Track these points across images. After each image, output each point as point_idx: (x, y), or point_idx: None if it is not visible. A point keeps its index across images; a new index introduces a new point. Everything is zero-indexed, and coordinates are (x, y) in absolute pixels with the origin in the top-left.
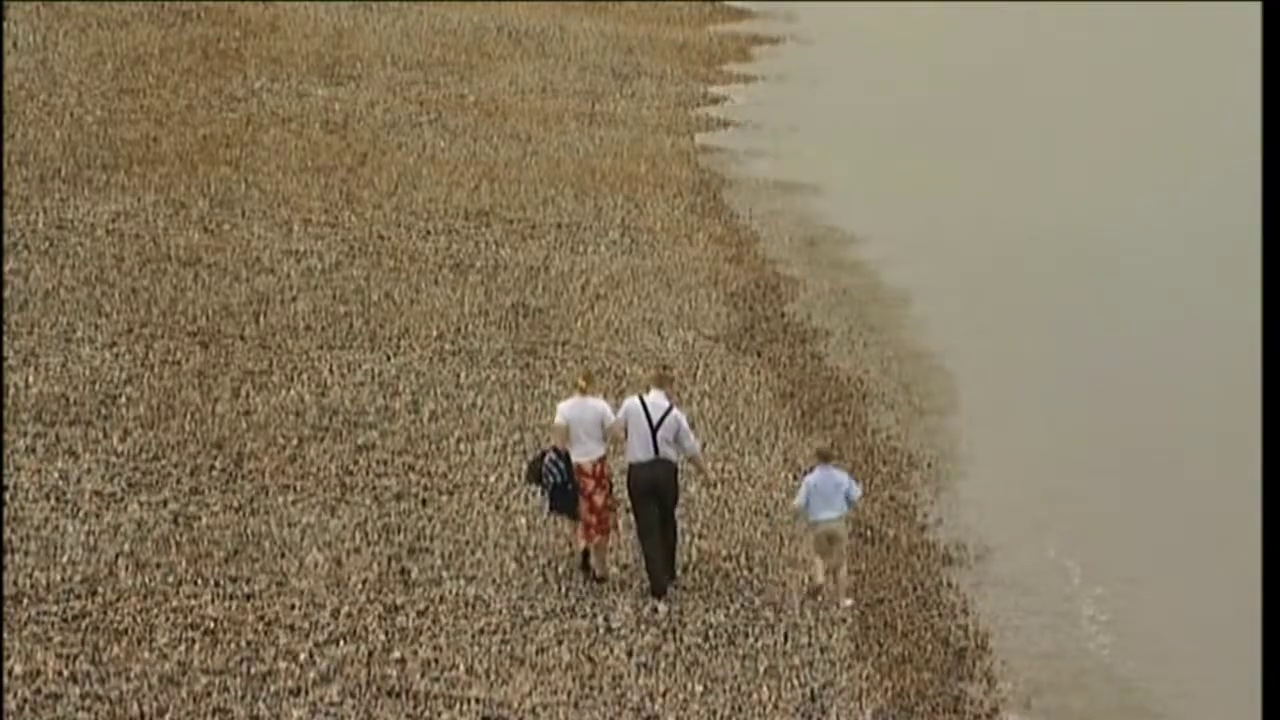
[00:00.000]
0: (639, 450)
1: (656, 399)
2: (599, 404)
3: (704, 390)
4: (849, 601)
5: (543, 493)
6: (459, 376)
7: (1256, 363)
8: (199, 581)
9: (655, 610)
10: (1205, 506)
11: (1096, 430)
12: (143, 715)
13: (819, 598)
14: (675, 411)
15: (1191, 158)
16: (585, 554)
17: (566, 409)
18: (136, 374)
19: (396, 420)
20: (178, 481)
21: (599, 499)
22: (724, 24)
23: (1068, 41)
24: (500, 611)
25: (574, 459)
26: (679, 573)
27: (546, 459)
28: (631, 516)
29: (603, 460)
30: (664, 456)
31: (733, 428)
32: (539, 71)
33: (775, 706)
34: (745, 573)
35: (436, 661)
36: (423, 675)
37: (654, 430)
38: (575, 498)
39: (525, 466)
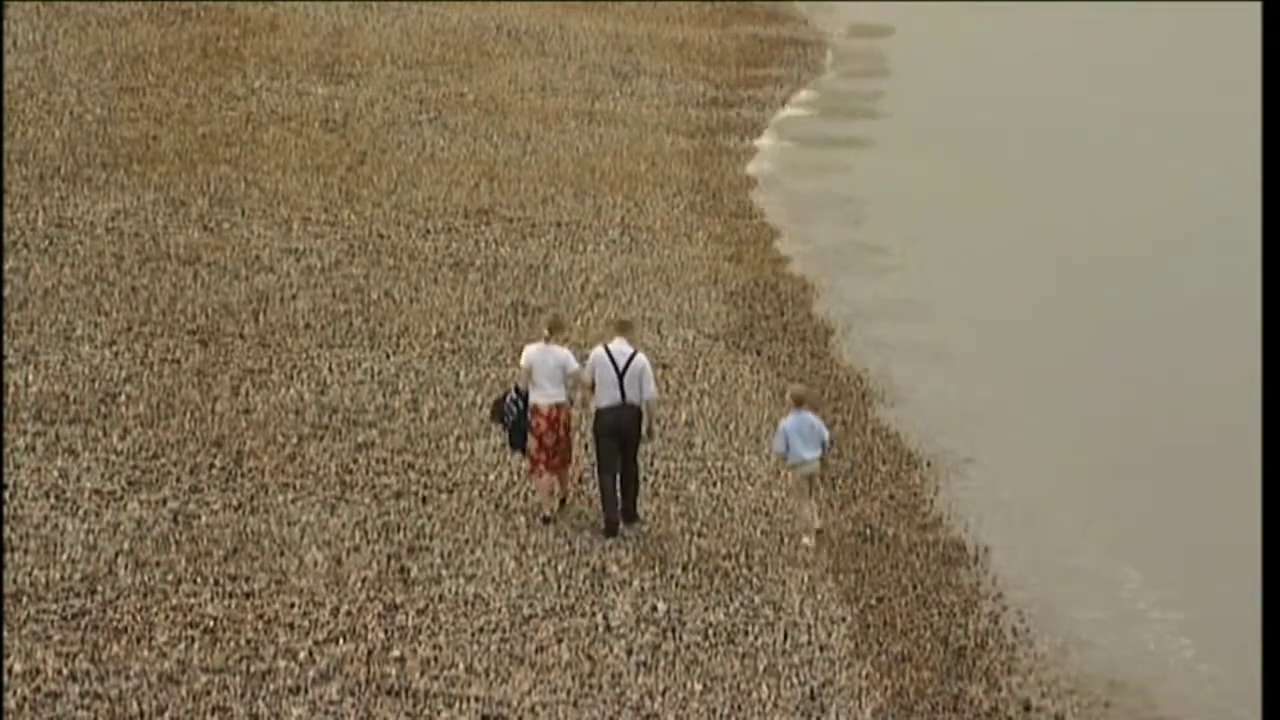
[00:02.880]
0: (605, 396)
1: (620, 346)
2: (562, 352)
3: (703, 389)
4: (818, 523)
5: (503, 429)
6: (458, 375)
7: (1257, 359)
8: (198, 580)
9: (655, 609)
10: (1206, 505)
11: (1097, 429)
12: (142, 714)
13: (818, 537)
14: (639, 356)
15: (1191, 158)
16: (562, 501)
17: (531, 353)
18: (136, 372)
19: (396, 419)
20: (177, 480)
21: (549, 440)
22: (724, 24)
23: (1064, 41)
24: (500, 610)
25: (532, 400)
26: (642, 516)
27: (508, 398)
28: (594, 469)
29: (559, 406)
30: (630, 402)
31: (732, 426)
32: (538, 70)
33: (775, 705)
34: (745, 572)
35: (436, 660)
36: (422, 674)
37: (620, 376)
38: (526, 435)
39: (489, 406)
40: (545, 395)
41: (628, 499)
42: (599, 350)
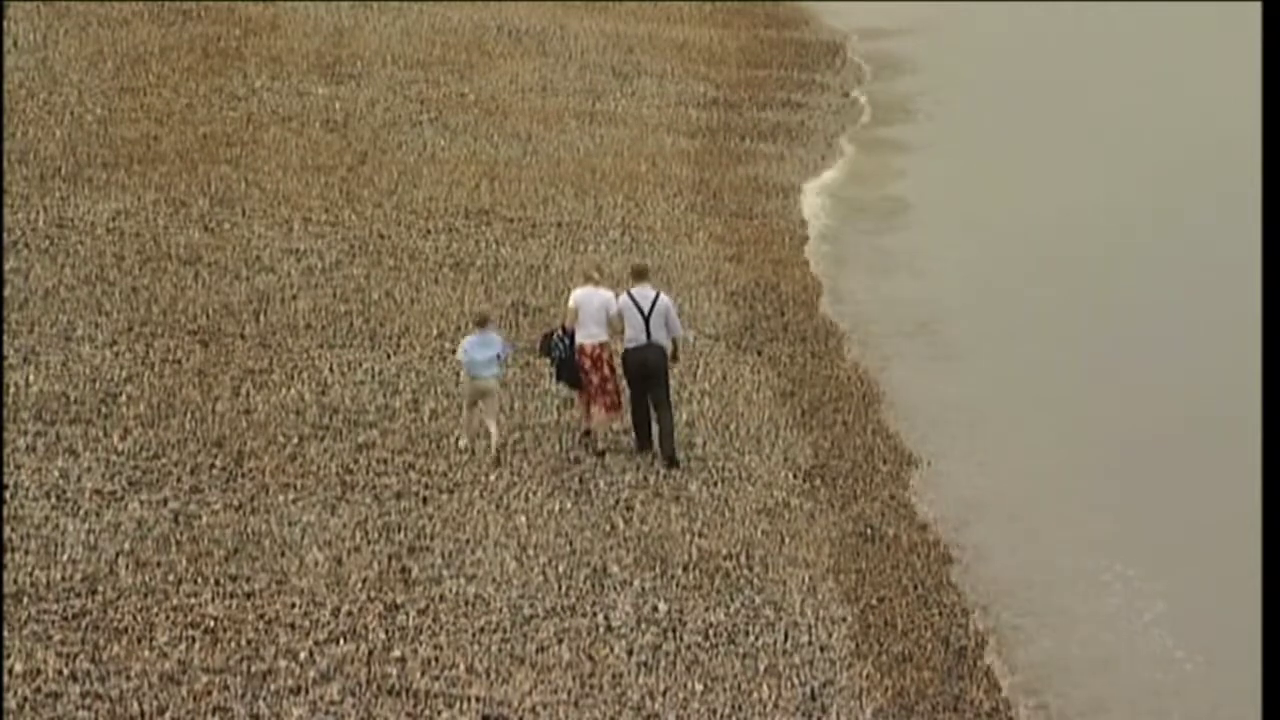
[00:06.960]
0: (631, 337)
1: (643, 290)
2: (606, 294)
3: (704, 389)
4: (491, 440)
5: (551, 364)
6: (459, 375)
7: (1257, 358)
8: (199, 580)
9: (655, 609)
10: (1206, 502)
11: (1097, 429)
12: (143, 714)
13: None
14: (663, 297)
15: (1189, 157)
16: (587, 432)
17: (578, 294)
18: (137, 372)
19: (397, 419)
20: (178, 480)
21: (594, 378)
22: (724, 24)
23: (1061, 40)
24: (500, 610)
25: (577, 340)
26: (679, 456)
27: (555, 335)
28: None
29: (603, 345)
30: (655, 341)
31: (733, 426)
32: (539, 70)
33: (775, 705)
34: (745, 572)
35: (437, 660)
36: (423, 674)
37: (646, 318)
38: (576, 371)
39: (538, 341)
40: (589, 335)
41: (665, 445)
42: (624, 297)
